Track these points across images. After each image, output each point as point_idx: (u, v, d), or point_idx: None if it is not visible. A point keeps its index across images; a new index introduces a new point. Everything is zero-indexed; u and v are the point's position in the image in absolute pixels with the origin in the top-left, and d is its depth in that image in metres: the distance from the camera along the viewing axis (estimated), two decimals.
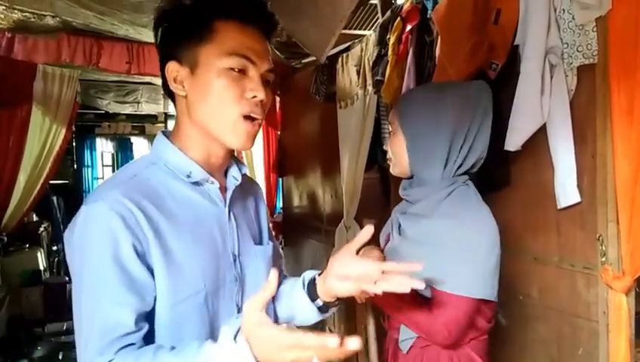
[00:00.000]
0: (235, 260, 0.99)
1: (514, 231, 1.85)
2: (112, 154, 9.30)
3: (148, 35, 3.41)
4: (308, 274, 1.11)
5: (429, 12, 2.17)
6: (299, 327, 0.76)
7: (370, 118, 2.91)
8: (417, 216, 1.28)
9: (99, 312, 0.83)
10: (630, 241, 1.52)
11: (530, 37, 1.67)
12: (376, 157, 3.07)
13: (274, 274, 0.79)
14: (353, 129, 3.04)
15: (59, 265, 5.37)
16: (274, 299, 1.14)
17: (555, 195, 1.72)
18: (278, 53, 3.30)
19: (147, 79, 5.21)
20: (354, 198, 3.17)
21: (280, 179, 4.89)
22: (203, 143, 0.97)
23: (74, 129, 5.36)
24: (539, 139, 1.70)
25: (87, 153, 8.99)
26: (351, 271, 0.94)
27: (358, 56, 2.97)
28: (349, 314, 3.46)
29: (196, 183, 0.97)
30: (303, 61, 3.83)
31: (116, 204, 0.85)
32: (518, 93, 1.69)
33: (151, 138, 9.19)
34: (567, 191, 1.67)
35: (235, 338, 0.76)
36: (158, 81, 5.37)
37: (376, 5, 2.95)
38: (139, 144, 9.38)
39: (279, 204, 5.07)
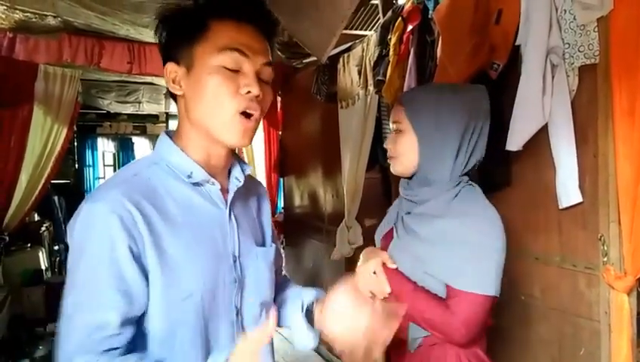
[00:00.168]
0: (235, 261, 0.99)
1: (515, 231, 1.85)
2: (114, 154, 9.30)
3: (149, 35, 3.41)
4: (307, 297, 1.13)
5: (430, 12, 2.17)
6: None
7: (371, 118, 2.92)
8: (427, 216, 1.27)
9: (86, 310, 0.84)
10: (632, 241, 1.52)
11: (532, 37, 1.67)
12: (378, 157, 3.07)
13: (272, 316, 0.79)
14: (354, 129, 3.04)
15: (60, 264, 5.37)
16: (275, 301, 1.14)
17: (557, 195, 1.72)
18: (279, 53, 3.30)
19: (148, 79, 5.22)
20: (355, 198, 3.17)
21: (281, 179, 4.89)
22: (203, 143, 0.97)
23: (75, 129, 5.35)
24: (540, 139, 1.70)
25: (88, 153, 8.99)
26: (349, 324, 0.96)
27: (359, 56, 2.97)
28: None
29: (197, 184, 0.97)
30: (304, 61, 3.83)
31: (116, 205, 0.86)
32: (520, 93, 1.69)
33: (152, 138, 9.19)
34: (568, 191, 1.67)
35: None
36: (159, 81, 5.38)
37: (377, 5, 2.95)
38: (140, 144, 9.38)
39: (280, 203, 5.07)
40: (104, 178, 9.06)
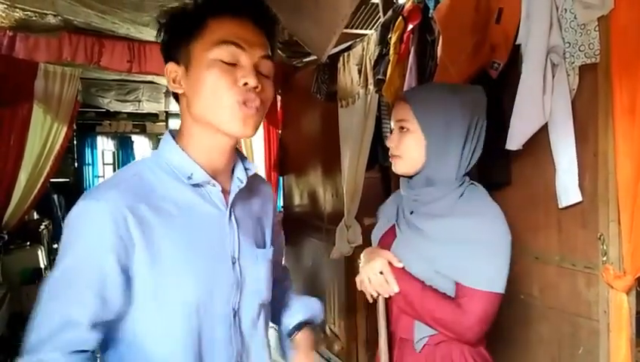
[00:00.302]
0: (234, 263, 0.99)
1: (515, 230, 1.82)
2: (113, 153, 9.30)
3: (149, 34, 3.41)
4: (291, 323, 1.17)
5: (431, 11, 2.17)
6: None
7: (371, 117, 2.91)
8: (434, 216, 1.27)
9: (62, 302, 0.85)
10: (631, 241, 1.52)
11: (532, 36, 1.67)
12: (377, 156, 3.07)
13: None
14: (354, 128, 3.04)
15: None
16: (273, 300, 1.13)
17: (557, 194, 1.72)
18: (279, 52, 3.30)
19: (148, 78, 5.23)
20: (355, 197, 3.17)
21: (281, 178, 4.89)
22: (205, 140, 0.97)
23: (75, 127, 5.34)
24: (540, 138, 1.70)
25: (88, 151, 8.99)
26: None
27: (359, 55, 2.97)
28: (349, 311, 3.46)
29: (197, 185, 0.97)
30: (304, 60, 3.83)
31: (111, 207, 0.86)
32: (520, 92, 1.69)
33: (152, 137, 9.20)
34: (568, 190, 1.68)
35: None
36: (159, 80, 5.38)
37: (377, 4, 2.95)
38: (140, 142, 9.38)
39: (280, 202, 5.08)
40: (103, 176, 9.07)
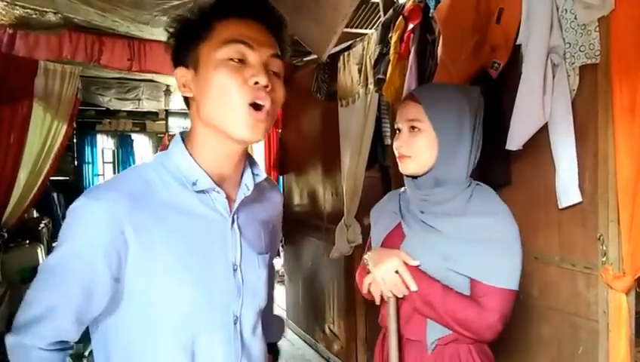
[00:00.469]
0: (235, 270, 0.98)
1: None
2: (113, 151, 9.30)
3: (149, 32, 3.41)
4: None
5: (432, 11, 2.17)
6: None
7: (371, 117, 2.91)
8: (447, 215, 1.27)
9: (48, 292, 0.89)
10: (631, 241, 1.52)
11: (533, 36, 1.67)
12: (377, 156, 3.07)
13: None
14: (354, 127, 3.04)
15: None
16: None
17: (557, 194, 1.72)
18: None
19: (148, 76, 5.22)
20: (354, 197, 3.17)
21: (281, 177, 4.89)
22: (214, 146, 0.96)
23: (75, 125, 5.34)
24: (540, 138, 1.70)
25: (87, 150, 8.99)
26: None
27: (359, 54, 2.96)
28: (348, 311, 3.46)
29: (202, 191, 0.96)
30: (305, 59, 3.83)
31: (109, 208, 0.87)
32: (520, 92, 1.69)
33: (152, 135, 9.21)
34: (568, 190, 1.68)
35: None
36: (159, 79, 5.36)
37: (378, 4, 2.95)
38: (139, 141, 9.38)
39: (282, 199, 5.07)
40: (103, 175, 9.07)
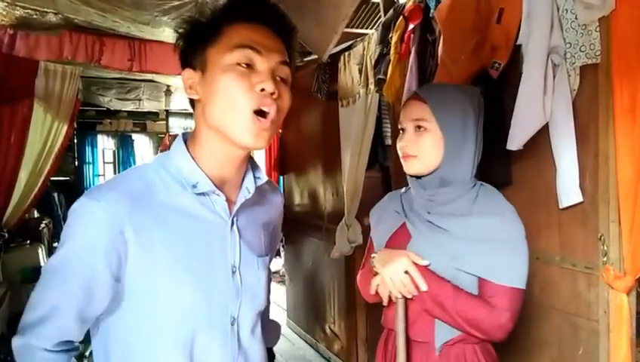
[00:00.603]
0: (234, 272, 0.98)
1: None
2: (114, 151, 9.31)
3: (150, 33, 3.41)
4: None
5: (432, 11, 2.17)
6: None
7: (371, 117, 2.92)
8: (454, 215, 1.26)
9: (51, 292, 0.90)
10: (632, 241, 1.52)
11: (533, 37, 1.67)
12: (378, 156, 3.07)
13: None
14: (355, 127, 3.04)
15: None
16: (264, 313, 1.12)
17: (557, 195, 1.72)
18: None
19: (149, 77, 5.22)
20: (355, 197, 3.17)
21: (281, 178, 4.89)
22: (217, 150, 0.95)
23: (75, 126, 5.34)
24: (541, 138, 1.70)
25: (88, 150, 9.00)
26: None
27: (360, 54, 2.96)
28: (349, 310, 3.46)
29: (202, 193, 0.96)
30: (305, 59, 3.82)
31: (109, 209, 0.87)
32: (521, 92, 1.68)
33: (152, 135, 9.21)
34: (569, 190, 1.68)
35: None
36: (160, 79, 5.35)
37: (378, 4, 2.95)
38: (140, 141, 9.39)
39: (282, 201, 5.07)
40: (104, 175, 9.08)
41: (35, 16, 3.13)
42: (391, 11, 2.53)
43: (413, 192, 1.35)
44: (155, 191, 0.93)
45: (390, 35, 2.49)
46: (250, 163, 1.04)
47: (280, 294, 4.87)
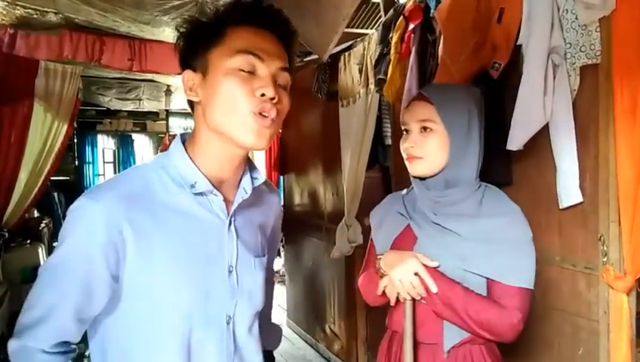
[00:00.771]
0: (230, 271, 0.99)
1: None
2: (114, 151, 9.31)
3: (150, 32, 3.41)
4: None
5: (432, 11, 2.17)
6: None
7: (372, 117, 2.91)
8: (462, 216, 1.26)
9: (48, 292, 0.90)
10: (632, 241, 1.52)
11: (533, 37, 1.67)
12: (378, 156, 3.07)
13: None
14: (355, 127, 3.04)
15: None
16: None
17: (557, 195, 1.72)
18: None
19: (149, 76, 5.22)
20: (355, 197, 3.17)
21: (281, 177, 4.89)
22: (217, 150, 0.96)
23: (75, 125, 5.33)
24: (541, 138, 1.70)
25: (88, 149, 9.00)
26: None
27: (360, 54, 2.96)
28: (349, 311, 3.46)
29: (199, 193, 0.97)
30: (305, 59, 3.82)
31: (108, 209, 0.88)
32: (521, 92, 1.68)
33: (152, 135, 9.21)
34: (569, 191, 1.68)
35: None
36: (160, 79, 5.35)
37: (379, 4, 2.95)
38: (140, 141, 9.39)
39: (280, 201, 5.07)
40: (104, 175, 9.08)
41: (35, 16, 3.13)
42: (391, 11, 2.53)
43: (417, 194, 1.34)
44: (153, 191, 0.93)
45: (390, 35, 2.49)
46: (247, 164, 1.05)
47: (280, 294, 4.87)
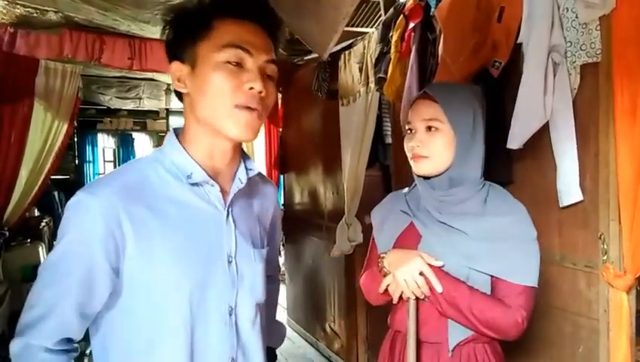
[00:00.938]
0: (230, 262, 1.00)
1: None
2: (114, 150, 9.30)
3: (150, 31, 3.40)
4: None
5: (432, 10, 2.17)
6: None
7: (372, 116, 2.91)
8: (467, 214, 1.26)
9: (49, 290, 0.90)
10: (632, 240, 1.53)
11: (534, 35, 1.67)
12: (378, 154, 3.07)
13: None
14: (355, 126, 3.04)
15: None
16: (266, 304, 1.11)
17: (558, 194, 1.72)
18: (280, 50, 3.29)
19: (149, 75, 5.22)
20: (355, 195, 3.17)
21: (281, 176, 4.89)
22: (207, 141, 0.97)
23: (76, 124, 5.33)
24: (541, 137, 1.70)
25: (88, 148, 8.99)
26: None
27: (360, 53, 2.96)
28: (349, 309, 3.47)
29: (196, 184, 0.97)
30: (305, 58, 3.82)
31: (105, 203, 0.88)
32: (521, 91, 1.68)
33: (152, 134, 9.20)
34: (569, 189, 1.68)
35: None
36: (160, 77, 5.36)
37: (379, 3, 2.94)
38: (140, 140, 9.38)
39: (280, 200, 5.08)
40: (104, 174, 9.06)
41: (35, 15, 3.13)
42: (391, 10, 2.53)
43: (421, 192, 1.33)
44: (150, 184, 0.94)
45: (391, 34, 2.49)
46: (241, 155, 1.06)
47: (280, 293, 4.87)
